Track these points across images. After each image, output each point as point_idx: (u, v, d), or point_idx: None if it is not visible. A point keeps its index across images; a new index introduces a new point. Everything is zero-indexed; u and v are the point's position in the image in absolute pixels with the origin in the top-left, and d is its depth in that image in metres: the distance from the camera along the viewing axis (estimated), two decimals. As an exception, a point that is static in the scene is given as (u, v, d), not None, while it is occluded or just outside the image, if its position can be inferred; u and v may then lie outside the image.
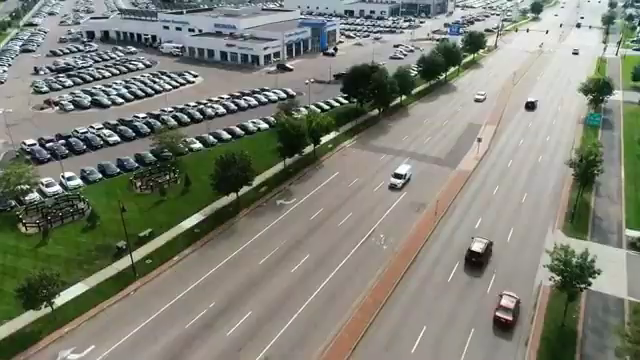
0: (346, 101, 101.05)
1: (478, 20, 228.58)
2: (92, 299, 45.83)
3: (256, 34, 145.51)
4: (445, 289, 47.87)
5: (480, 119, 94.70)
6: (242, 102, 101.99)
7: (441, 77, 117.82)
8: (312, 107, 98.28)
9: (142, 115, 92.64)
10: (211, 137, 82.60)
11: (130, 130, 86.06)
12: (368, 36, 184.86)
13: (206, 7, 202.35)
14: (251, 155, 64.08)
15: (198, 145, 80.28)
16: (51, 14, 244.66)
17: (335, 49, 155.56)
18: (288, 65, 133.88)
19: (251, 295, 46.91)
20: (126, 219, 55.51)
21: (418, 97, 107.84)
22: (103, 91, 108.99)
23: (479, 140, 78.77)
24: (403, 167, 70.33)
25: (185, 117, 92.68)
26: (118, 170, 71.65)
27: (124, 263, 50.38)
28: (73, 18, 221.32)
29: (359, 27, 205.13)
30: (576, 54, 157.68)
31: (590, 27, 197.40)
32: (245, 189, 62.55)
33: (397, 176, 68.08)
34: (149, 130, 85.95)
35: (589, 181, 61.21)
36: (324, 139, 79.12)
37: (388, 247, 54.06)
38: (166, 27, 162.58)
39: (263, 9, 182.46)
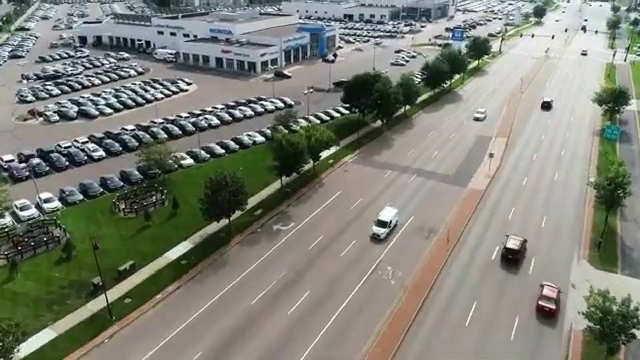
0: (347, 111, 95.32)
1: (480, 24, 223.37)
2: (60, 349, 39.89)
3: (253, 40, 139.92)
4: (463, 332, 42.05)
5: (489, 131, 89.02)
6: (237, 112, 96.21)
7: (446, 85, 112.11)
8: (311, 118, 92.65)
9: (130, 127, 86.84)
10: (203, 152, 76.74)
11: (117, 144, 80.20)
12: (368, 41, 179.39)
13: (202, 12, 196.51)
14: (246, 172, 58.76)
15: (189, 161, 74.41)
16: (44, 18, 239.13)
17: (334, 55, 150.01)
18: (286, 72, 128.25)
19: (243, 342, 41.04)
20: (106, 249, 50.07)
21: (422, 106, 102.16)
22: (91, 101, 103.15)
23: (491, 156, 73.01)
24: (388, 211, 57.00)
25: (176, 129, 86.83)
26: (101, 190, 65.75)
27: (100, 303, 44.44)
28: (66, 22, 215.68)
29: (359, 32, 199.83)
30: (585, 55, 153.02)
31: (597, 32, 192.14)
32: (238, 213, 56.69)
33: (381, 224, 55.05)
34: (137, 144, 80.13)
35: (615, 204, 55.56)
36: (324, 154, 73.38)
37: (397, 282, 48.24)
38: (160, 32, 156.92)
39: (261, 13, 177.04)
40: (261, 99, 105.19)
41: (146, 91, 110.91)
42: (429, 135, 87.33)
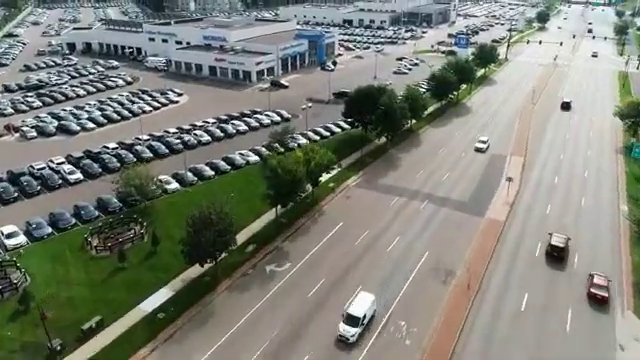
0: (348, 126, 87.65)
1: (482, 30, 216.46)
2: None
3: (248, 47, 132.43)
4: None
5: (504, 148, 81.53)
6: (230, 128, 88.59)
7: (453, 96, 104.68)
8: (310, 134, 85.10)
9: (112, 145, 79.10)
10: (190, 174, 69.02)
11: (96, 165, 72.49)
12: (369, 48, 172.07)
13: (196, 17, 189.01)
14: (237, 197, 51.08)
15: (174, 185, 66.68)
16: (35, 24, 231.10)
17: (334, 63, 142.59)
18: (283, 82, 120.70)
19: None
20: (72, 297, 42.71)
21: (429, 120, 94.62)
22: (73, 114, 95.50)
23: (509, 180, 65.38)
24: (360, 303, 41.96)
25: (162, 147, 79.15)
26: (73, 221, 58.00)
27: (56, 375, 36.74)
28: (57, 28, 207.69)
29: (359, 38, 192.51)
30: (595, 57, 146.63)
31: (605, 38, 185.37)
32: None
33: (350, 320, 40.31)
34: (119, 164, 72.51)
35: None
36: (324, 176, 65.82)
37: (412, 342, 40.58)
38: (152, 39, 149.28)
39: (257, 19, 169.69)
40: (256, 112, 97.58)
41: (133, 103, 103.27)
42: (439, 153, 79.76)
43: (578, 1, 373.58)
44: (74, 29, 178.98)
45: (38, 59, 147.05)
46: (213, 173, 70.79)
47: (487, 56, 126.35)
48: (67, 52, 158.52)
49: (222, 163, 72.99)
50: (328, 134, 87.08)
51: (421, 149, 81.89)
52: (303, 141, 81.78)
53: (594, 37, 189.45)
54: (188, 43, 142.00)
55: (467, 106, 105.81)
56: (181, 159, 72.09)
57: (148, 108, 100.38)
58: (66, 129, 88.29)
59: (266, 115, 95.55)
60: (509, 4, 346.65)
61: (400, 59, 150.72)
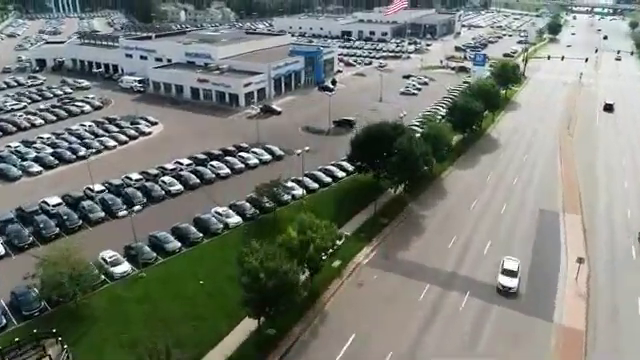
0: (353, 166, 69.44)
1: (491, 42, 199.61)
2: None
3: (236, 66, 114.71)
4: None
5: (552, 201, 63.75)
6: (208, 171, 70.57)
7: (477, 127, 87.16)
8: (306, 181, 67.12)
9: (55, 201, 60.85)
10: (147, 249, 50.92)
11: (26, 232, 54.34)
12: (370, 63, 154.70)
13: (180, 30, 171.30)
14: (206, 289, 34.02)
15: (124, 267, 48.45)
16: (11, 36, 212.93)
17: (333, 82, 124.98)
18: (275, 106, 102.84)
19: None
20: None
21: (452, 158, 76.67)
22: (17, 152, 77.37)
23: (580, 261, 47.40)
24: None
25: (118, 202, 60.99)
26: (-35, 336, 39.79)
27: None
28: (34, 41, 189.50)
29: (359, 51, 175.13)
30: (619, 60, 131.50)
31: (632, 53, 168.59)
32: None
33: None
34: (57, 230, 54.63)
35: None
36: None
37: None
38: (129, 55, 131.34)
39: (247, 32, 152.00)
40: (241, 149, 79.64)
41: (95, 136, 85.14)
42: (471, 209, 61.84)
43: (581, 10, 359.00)
44: (46, 43, 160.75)
45: (2, 77, 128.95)
46: (179, 245, 52.62)
47: (509, 75, 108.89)
48: (37, 69, 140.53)
49: (192, 229, 54.83)
50: (329, 180, 69.06)
51: (448, 202, 63.89)
52: (298, 191, 63.98)
53: (619, 51, 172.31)
54: (169, 60, 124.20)
55: (493, 138, 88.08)
56: (143, 220, 54.15)
57: (112, 143, 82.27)
58: (3, 174, 70.06)
59: (253, 153, 77.58)
60: (512, 14, 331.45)
61: (407, 77, 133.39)
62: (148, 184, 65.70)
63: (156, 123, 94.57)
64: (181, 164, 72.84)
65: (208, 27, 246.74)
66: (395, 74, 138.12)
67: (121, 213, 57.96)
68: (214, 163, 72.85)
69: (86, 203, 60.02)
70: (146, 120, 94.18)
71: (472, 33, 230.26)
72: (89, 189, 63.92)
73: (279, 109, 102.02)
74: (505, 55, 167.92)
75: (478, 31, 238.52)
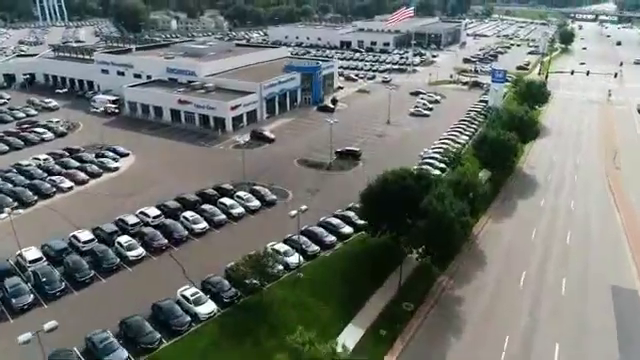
0: (364, 221, 54.22)
1: (500, 53, 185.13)
2: None
3: (223, 84, 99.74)
4: None
5: (624, 272, 48.66)
6: (179, 227, 55.22)
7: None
8: (303, 241, 51.76)
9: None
10: (79, 365, 35.65)
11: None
12: (374, 78, 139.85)
13: (167, 39, 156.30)
14: None
15: None
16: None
17: (334, 101, 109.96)
18: (267, 132, 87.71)
19: None
20: None
21: (485, 205, 61.43)
22: (-54, 199, 61.94)
23: None
24: None
25: (55, 276, 45.53)
26: None
27: None
28: (11, 53, 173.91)
29: (360, 63, 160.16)
30: None
31: None
32: None
33: None
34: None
35: None
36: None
37: None
38: (105, 71, 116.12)
39: (238, 44, 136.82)
40: (224, 191, 64.32)
41: (49, 174, 69.75)
42: (521, 285, 46.61)
43: (586, 18, 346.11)
44: (18, 56, 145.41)
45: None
46: (126, 356, 37.20)
47: (536, 95, 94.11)
48: (4, 85, 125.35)
49: (147, 327, 39.29)
50: (334, 239, 53.72)
51: (489, 275, 48.61)
52: (293, 258, 48.81)
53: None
54: (149, 77, 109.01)
55: (528, 175, 72.87)
56: (81, 307, 38.84)
57: (67, 184, 66.88)
58: None
59: (237, 198, 62.24)
60: (516, 22, 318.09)
61: (415, 94, 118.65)
62: (100, 248, 50.27)
63: (127, 155, 79.28)
64: (147, 216, 57.44)
65: (199, 37, 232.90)
66: (402, 91, 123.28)
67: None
68: (188, 215, 57.37)
69: (10, 286, 44.45)
70: (114, 152, 78.85)
71: (478, 43, 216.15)
72: (21, 259, 48.44)
73: (272, 136, 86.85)
74: (519, 68, 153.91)
75: (484, 40, 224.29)
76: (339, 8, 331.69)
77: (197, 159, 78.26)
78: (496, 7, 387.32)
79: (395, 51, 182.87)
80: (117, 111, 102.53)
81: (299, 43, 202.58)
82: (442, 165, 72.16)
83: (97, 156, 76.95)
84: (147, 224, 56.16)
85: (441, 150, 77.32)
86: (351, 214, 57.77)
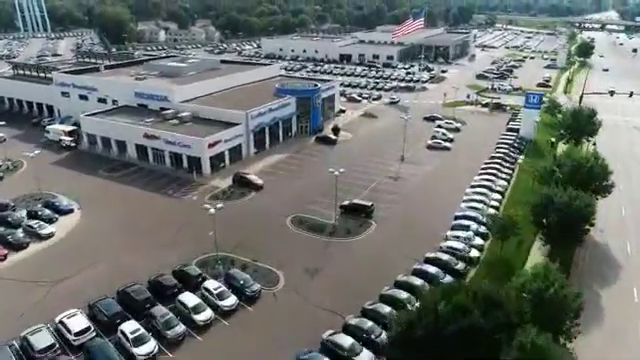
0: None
1: (515, 67, 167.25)
2: None
3: (203, 112, 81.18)
4: None
5: None
6: (111, 351, 36.33)
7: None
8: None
9: None
10: None
11: None
12: (379, 98, 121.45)
13: (147, 54, 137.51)
14: None
15: None
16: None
17: (335, 130, 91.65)
18: (253, 177, 68.88)
19: None
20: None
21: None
22: None
23: None
24: None
25: None
26: None
27: None
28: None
29: (362, 80, 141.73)
30: None
31: None
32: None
33: None
34: None
35: None
36: None
37: None
38: (65, 94, 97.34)
39: (223, 61, 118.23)
40: (185, 279, 45.49)
41: (-46, 247, 50.84)
42: None
43: (594, 27, 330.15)
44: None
45: None
46: None
47: (584, 126, 75.86)
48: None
49: None
50: (346, 375, 35.01)
51: None
52: None
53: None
54: (115, 102, 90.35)
55: (601, 246, 53.62)
56: None
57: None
58: None
59: (205, 292, 43.40)
60: (522, 31, 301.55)
61: (430, 119, 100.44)
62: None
63: (70, 211, 60.43)
64: (67, 329, 38.54)
65: (188, 49, 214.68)
66: (413, 114, 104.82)
67: None
68: (129, 329, 38.46)
69: None
70: (53, 208, 59.96)
71: (487, 55, 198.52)
72: None
73: (259, 181, 68.02)
74: (540, 85, 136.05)
75: (494, 52, 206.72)
76: (337, 18, 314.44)
77: (161, 218, 59.45)
78: (498, 16, 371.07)
79: (400, 65, 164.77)
80: (74, 144, 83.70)
81: (294, 56, 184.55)
82: (482, 228, 53.82)
83: (30, 215, 58.09)
84: (67, 343, 37.38)
85: (477, 205, 59.00)
86: (368, 323, 39.07)
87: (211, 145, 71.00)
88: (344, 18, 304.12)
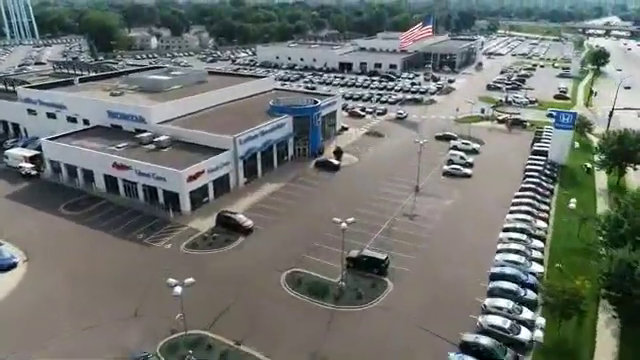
0: None
1: (526, 77, 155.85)
2: None
3: (183, 135, 69.25)
4: None
5: None
6: None
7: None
8: None
9: None
10: None
11: None
12: (384, 113, 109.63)
13: (125, 69, 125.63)
14: None
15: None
16: None
17: (338, 152, 79.75)
18: (240, 217, 56.70)
19: None
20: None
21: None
22: None
23: None
24: None
25: None
26: None
27: None
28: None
29: (364, 92, 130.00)
30: None
31: None
32: None
33: None
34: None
35: None
36: None
37: None
38: (32, 112, 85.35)
39: (211, 72, 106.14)
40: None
41: None
42: None
43: (598, 34, 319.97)
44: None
45: None
46: None
47: (631, 153, 64.20)
48: None
49: None
50: None
51: None
52: None
53: None
54: (86, 122, 78.45)
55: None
56: None
57: None
58: None
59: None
60: (526, 37, 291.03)
61: (444, 138, 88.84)
62: None
63: (13, 266, 48.48)
64: None
65: (180, 56, 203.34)
66: (424, 131, 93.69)
67: None
68: None
69: None
70: (-8, 261, 47.94)
71: (494, 63, 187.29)
72: None
73: (248, 223, 56.00)
74: (557, 97, 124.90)
75: (500, 60, 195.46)
76: (335, 24, 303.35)
77: (126, 275, 47.39)
78: (499, 22, 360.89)
79: (404, 75, 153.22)
80: (36, 172, 71.60)
81: (291, 65, 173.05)
82: (533, 294, 42.03)
83: (-41, 273, 46.02)
84: None
85: (517, 258, 47.18)
86: None
87: (192, 178, 59.01)
88: (343, 24, 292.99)
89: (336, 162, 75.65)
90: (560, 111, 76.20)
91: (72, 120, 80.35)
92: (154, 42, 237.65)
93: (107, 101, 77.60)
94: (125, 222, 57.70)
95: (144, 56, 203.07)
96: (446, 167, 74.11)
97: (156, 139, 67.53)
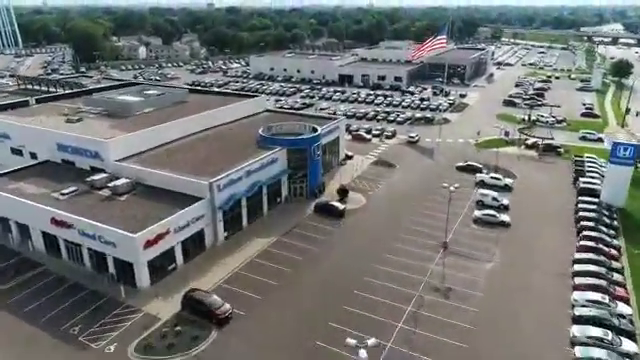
0: None
1: (544, 89, 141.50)
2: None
3: (147, 178, 53.85)
4: None
5: None
6: None
7: None
8: None
9: None
10: None
11: None
12: (393, 135, 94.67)
13: (92, 86, 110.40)
14: None
15: None
16: None
17: (342, 192, 64.55)
18: (214, 301, 41.24)
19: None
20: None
21: None
22: None
23: None
24: None
25: None
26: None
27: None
28: None
29: (369, 110, 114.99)
30: None
31: None
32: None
33: None
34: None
35: None
36: None
37: None
38: (-28, 141, 69.95)
39: (192, 90, 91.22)
40: None
41: None
42: None
43: (604, 41, 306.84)
44: None
45: None
46: None
47: None
48: None
49: None
50: None
51: None
52: None
53: None
54: (33, 156, 63.22)
55: None
56: None
57: None
58: None
59: None
60: (532, 46, 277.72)
61: (467, 170, 73.90)
62: None
63: None
64: None
65: (168, 67, 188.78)
66: (440, 158, 79.13)
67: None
68: None
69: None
70: None
71: (505, 74, 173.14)
72: None
73: (224, 308, 40.65)
74: (585, 115, 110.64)
75: (510, 71, 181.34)
76: (334, 32, 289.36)
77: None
78: (502, 30, 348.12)
79: (411, 88, 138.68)
80: (-36, 222, 56.12)
81: (287, 77, 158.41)
82: None
83: None
84: None
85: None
86: None
87: (150, 243, 43.74)
88: (342, 32, 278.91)
89: (341, 207, 60.48)
90: (617, 142, 61.15)
91: (17, 152, 65.22)
92: (142, 52, 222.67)
93: (58, 131, 62.23)
94: (61, 303, 42.48)
95: (130, 67, 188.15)
96: (477, 213, 59.09)
97: (112, 183, 52.30)
